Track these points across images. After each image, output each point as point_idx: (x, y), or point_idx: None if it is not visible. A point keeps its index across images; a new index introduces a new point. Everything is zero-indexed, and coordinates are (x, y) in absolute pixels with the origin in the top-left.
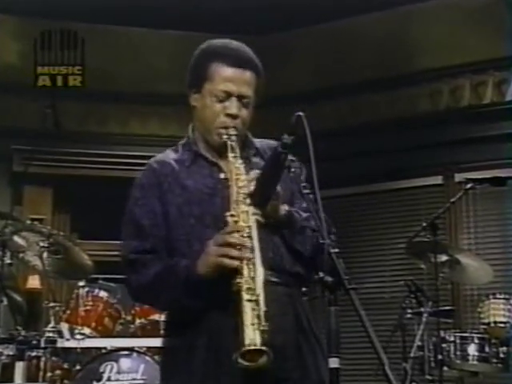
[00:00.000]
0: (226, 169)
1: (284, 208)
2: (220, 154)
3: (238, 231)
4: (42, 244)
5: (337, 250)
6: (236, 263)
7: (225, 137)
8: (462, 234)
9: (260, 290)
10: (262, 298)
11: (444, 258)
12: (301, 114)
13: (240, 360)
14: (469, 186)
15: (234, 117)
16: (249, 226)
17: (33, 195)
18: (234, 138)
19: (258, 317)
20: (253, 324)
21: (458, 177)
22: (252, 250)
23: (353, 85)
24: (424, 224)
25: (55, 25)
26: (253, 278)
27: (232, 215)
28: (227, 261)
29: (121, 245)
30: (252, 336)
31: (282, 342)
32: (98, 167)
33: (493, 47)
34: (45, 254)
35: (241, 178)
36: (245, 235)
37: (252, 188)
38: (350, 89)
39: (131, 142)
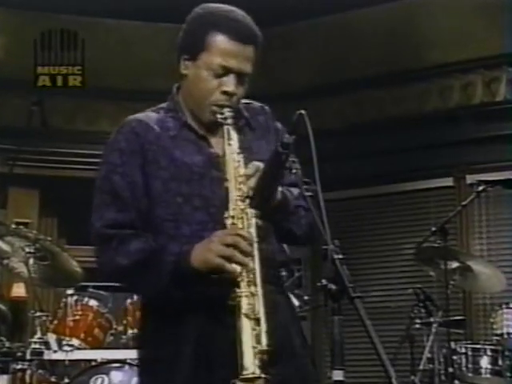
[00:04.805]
0: (215, 145)
1: (278, 191)
2: (208, 128)
3: (242, 236)
4: (27, 249)
5: (341, 256)
6: (238, 270)
7: (219, 116)
8: (473, 239)
9: (261, 308)
10: (262, 316)
11: (455, 264)
12: (302, 112)
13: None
14: (481, 188)
15: (230, 95)
16: (249, 232)
17: (18, 197)
18: (230, 120)
19: (258, 338)
20: (253, 347)
21: (470, 178)
22: (254, 260)
23: (357, 81)
24: (433, 228)
25: (55, 25)
26: (253, 295)
27: (232, 216)
28: (229, 266)
29: (93, 215)
30: (251, 362)
31: (280, 344)
32: (87, 168)
33: (506, 41)
34: (31, 260)
35: (240, 172)
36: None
37: (251, 190)
38: (354, 85)
39: None
